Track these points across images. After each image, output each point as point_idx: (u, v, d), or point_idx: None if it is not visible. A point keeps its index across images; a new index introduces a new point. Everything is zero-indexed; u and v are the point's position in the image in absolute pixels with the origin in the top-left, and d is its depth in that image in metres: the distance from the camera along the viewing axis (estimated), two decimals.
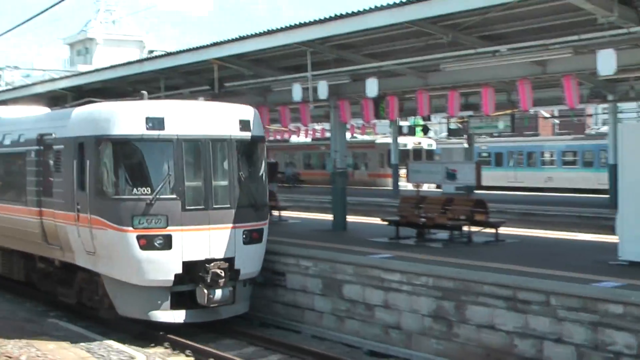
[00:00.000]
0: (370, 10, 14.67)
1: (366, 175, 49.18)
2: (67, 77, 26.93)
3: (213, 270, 14.69)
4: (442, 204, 17.89)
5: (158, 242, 14.57)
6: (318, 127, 47.25)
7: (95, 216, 14.90)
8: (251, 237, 15.56)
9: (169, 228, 14.61)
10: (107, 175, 15.02)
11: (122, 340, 14.71)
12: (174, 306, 14.84)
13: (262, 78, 20.16)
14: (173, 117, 14.93)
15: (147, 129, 14.69)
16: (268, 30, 17.03)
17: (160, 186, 14.65)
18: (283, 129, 44.61)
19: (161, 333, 15.10)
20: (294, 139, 52.34)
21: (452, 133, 44.73)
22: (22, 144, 18.04)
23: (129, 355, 13.65)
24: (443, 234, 17.74)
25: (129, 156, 15.10)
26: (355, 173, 48.83)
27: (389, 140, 42.56)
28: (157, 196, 14.58)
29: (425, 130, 40.11)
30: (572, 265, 13.49)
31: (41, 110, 20.12)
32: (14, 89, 31.45)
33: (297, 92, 18.41)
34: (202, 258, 14.81)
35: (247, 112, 16.19)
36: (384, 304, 14.23)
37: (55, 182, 16.38)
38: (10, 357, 13.32)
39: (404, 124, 43.90)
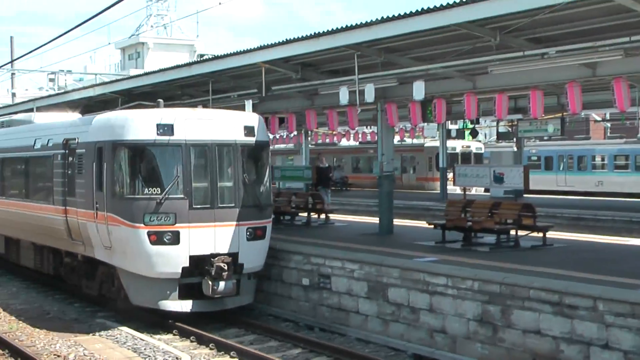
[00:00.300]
0: (417, 13, 14.62)
1: (414, 179, 48.99)
2: (117, 80, 27.32)
3: (217, 263, 15.84)
4: (489, 207, 17.74)
5: (167, 237, 15.82)
6: (367, 130, 47.17)
7: (111, 214, 16.18)
8: (255, 234, 16.73)
9: (177, 225, 15.86)
10: (121, 177, 16.37)
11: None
12: (182, 297, 16.05)
13: (309, 81, 20.20)
14: (181, 124, 16.19)
15: (158, 134, 15.98)
16: (315, 34, 17.06)
17: (169, 187, 15.91)
18: (331, 132, 44.77)
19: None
20: (342, 142, 52.31)
21: (501, 136, 44.23)
22: (50, 148, 19.41)
23: (175, 355, 13.79)
24: (490, 238, 17.59)
25: (142, 159, 16.45)
26: (403, 177, 48.69)
27: (438, 143, 42.35)
28: (167, 196, 15.85)
29: (474, 133, 39.70)
30: (621, 271, 13.28)
31: (70, 117, 21.36)
32: (66, 92, 31.97)
33: (344, 96, 18.41)
34: (208, 253, 16.01)
35: (252, 118, 17.44)
36: (429, 307, 14.15)
37: (78, 183, 17.70)
38: (58, 356, 13.56)
39: (453, 127, 43.67)
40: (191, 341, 15.22)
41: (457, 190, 32.09)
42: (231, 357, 14.08)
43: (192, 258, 15.94)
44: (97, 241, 16.89)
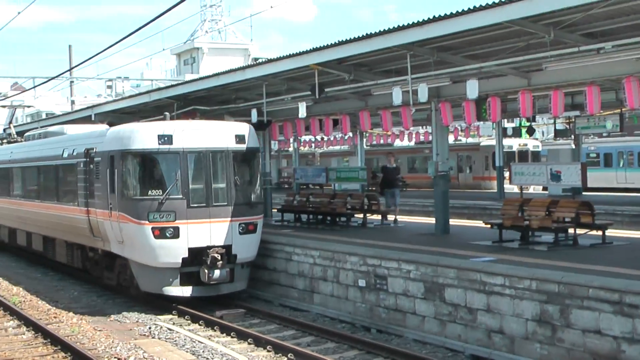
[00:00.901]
0: (470, 11, 14.50)
1: (471, 178, 48.58)
2: (172, 86, 27.57)
3: (212, 254, 18.13)
4: (546, 206, 17.49)
5: (169, 232, 18.12)
6: (422, 130, 46.96)
7: (121, 212, 18.59)
8: (247, 229, 18.96)
9: (176, 221, 18.17)
10: (129, 181, 18.71)
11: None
12: (183, 283, 18.38)
13: (362, 82, 20.18)
14: (179, 134, 18.49)
15: (159, 144, 18.33)
16: (367, 35, 17.03)
17: (169, 188, 18.23)
18: (385, 132, 44.66)
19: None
20: (397, 143, 52.16)
21: (558, 134, 43.55)
22: (75, 157, 21.82)
23: (233, 358, 13.89)
24: (548, 237, 17.34)
25: (146, 165, 18.79)
26: (459, 176, 48.31)
27: (494, 142, 41.96)
28: (167, 196, 18.17)
29: (531, 131, 39.17)
30: None
31: (96, 128, 23.53)
32: (123, 98, 32.46)
33: (397, 96, 18.36)
34: (204, 245, 18.27)
35: (243, 128, 19.63)
36: (486, 307, 14.01)
37: (96, 187, 20.09)
38: (119, 359, 13.73)
39: (509, 125, 43.17)
40: (249, 343, 15.32)
41: (514, 189, 31.77)
42: (289, 359, 14.11)
43: (190, 250, 18.22)
44: (112, 237, 19.28)
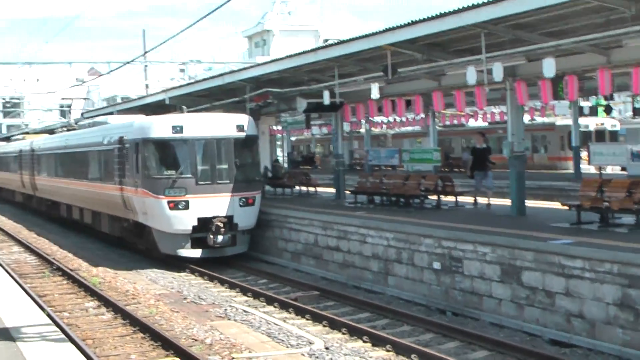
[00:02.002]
0: None
1: (546, 159, 47.69)
2: (244, 68, 27.66)
3: (216, 223, 22.12)
4: (627, 186, 17.00)
5: (181, 205, 22.11)
6: (496, 110, 46.25)
7: (144, 189, 22.67)
8: (246, 202, 22.89)
9: (187, 196, 22.23)
10: (149, 163, 22.72)
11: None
12: (194, 247, 22.41)
13: (436, 62, 19.90)
14: (189, 125, 22.72)
15: (173, 133, 22.51)
16: (440, 14, 16.76)
17: (181, 169, 22.41)
18: (459, 113, 44.13)
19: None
20: (470, 123, 51.46)
21: (637, 112, 42.42)
22: (112, 143, 25.53)
23: (308, 340, 13.92)
24: (629, 219, 16.88)
25: (162, 150, 22.95)
26: (534, 156, 47.46)
27: (570, 121, 41.07)
28: (179, 176, 22.34)
29: (608, 110, 38.11)
30: None
31: (133, 118, 26.48)
32: (196, 82, 32.73)
33: (471, 75, 18.04)
34: (210, 215, 22.24)
35: (242, 119, 23.63)
36: (565, 291, 13.72)
37: (127, 168, 23.91)
38: (195, 340, 13.90)
39: (585, 104, 42.17)
40: (324, 326, 15.34)
41: (591, 169, 31.08)
42: (364, 341, 14.09)
43: (199, 219, 22.19)
44: (138, 209, 23.28)
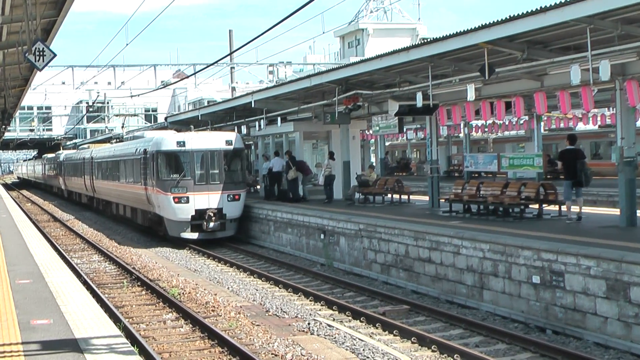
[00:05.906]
0: None
1: None
2: (333, 70, 27.72)
3: (209, 213, 30.98)
4: None
5: (183, 200, 30.95)
6: (607, 112, 45.14)
7: (157, 188, 31.68)
8: (233, 198, 31.65)
9: (187, 193, 31.05)
10: (161, 169, 31.61)
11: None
12: (192, 231, 31.22)
13: (537, 61, 19.53)
14: (190, 140, 31.67)
15: (177, 146, 31.49)
16: (541, 8, 16.42)
17: (183, 173, 31.35)
18: (564, 115, 43.18)
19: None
20: (579, 126, 50.37)
21: None
22: (140, 154, 34.38)
23: (395, 357, 13.85)
24: None
25: (170, 160, 31.85)
26: None
27: None
28: (182, 178, 31.23)
29: None
30: None
31: (160, 135, 34.80)
32: (283, 84, 32.97)
33: (575, 75, 17.63)
34: (205, 207, 31.11)
35: (231, 135, 32.84)
36: None
37: (148, 173, 32.82)
38: (275, 355, 13.98)
39: None
40: (412, 342, 15.24)
41: None
42: None
43: (197, 210, 31.00)
44: (155, 203, 32.39)
